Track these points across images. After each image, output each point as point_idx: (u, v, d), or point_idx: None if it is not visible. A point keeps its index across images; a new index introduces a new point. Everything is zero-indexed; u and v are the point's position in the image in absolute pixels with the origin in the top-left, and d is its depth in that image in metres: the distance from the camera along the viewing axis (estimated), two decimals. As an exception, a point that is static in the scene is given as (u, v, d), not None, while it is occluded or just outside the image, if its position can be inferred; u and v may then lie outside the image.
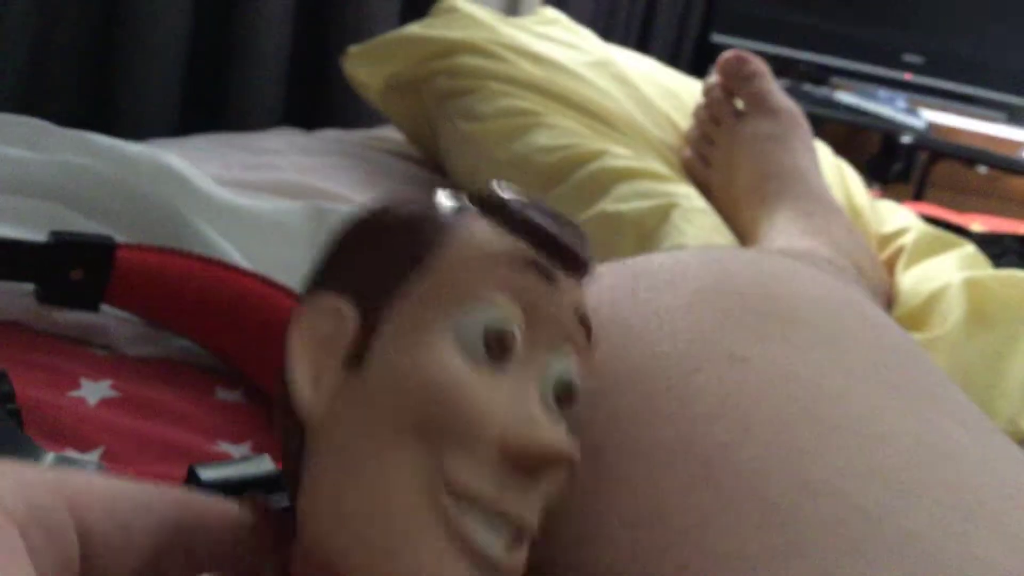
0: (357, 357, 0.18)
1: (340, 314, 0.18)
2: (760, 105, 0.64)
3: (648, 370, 0.23)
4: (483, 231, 0.19)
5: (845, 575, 0.18)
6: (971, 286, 0.55)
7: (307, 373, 0.18)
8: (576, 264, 0.19)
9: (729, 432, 0.21)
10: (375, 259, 0.19)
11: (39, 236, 0.40)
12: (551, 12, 0.90)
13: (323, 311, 0.18)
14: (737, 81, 0.66)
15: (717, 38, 2.20)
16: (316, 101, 1.11)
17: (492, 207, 0.19)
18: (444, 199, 0.20)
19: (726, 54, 0.67)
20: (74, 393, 0.36)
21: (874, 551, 0.19)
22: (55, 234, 0.40)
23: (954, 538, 0.19)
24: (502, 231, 0.19)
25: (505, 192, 0.20)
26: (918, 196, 1.82)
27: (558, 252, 0.19)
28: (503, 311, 0.18)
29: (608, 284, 0.26)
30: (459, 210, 0.19)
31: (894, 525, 0.19)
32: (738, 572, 0.19)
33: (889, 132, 1.92)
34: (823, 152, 0.75)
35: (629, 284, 0.26)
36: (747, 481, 0.20)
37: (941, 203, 1.49)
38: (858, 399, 0.23)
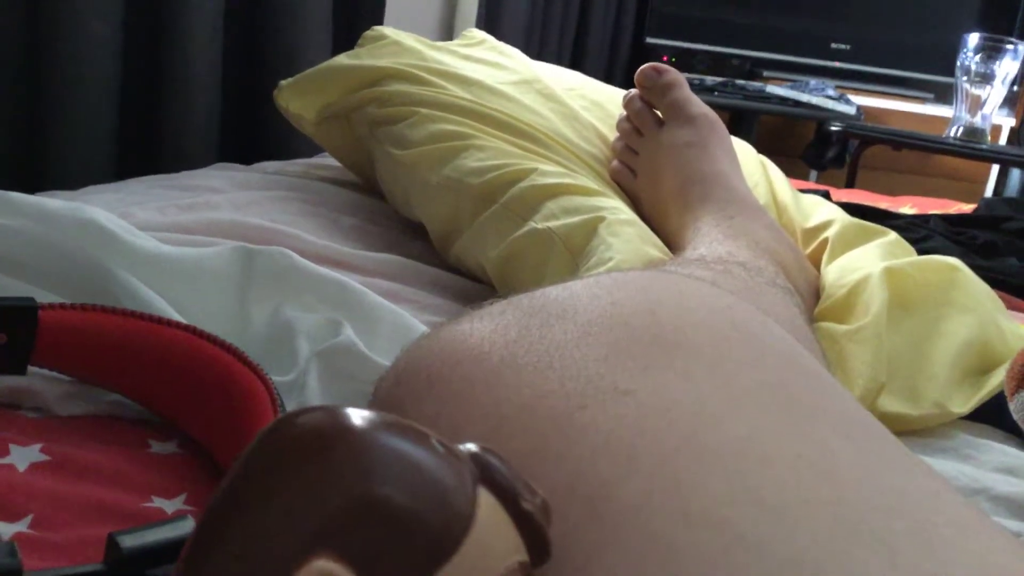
0: None
1: None
2: (678, 114, 0.66)
3: (536, 410, 0.23)
4: (495, 529, 0.19)
5: None
6: (891, 275, 0.57)
7: None
8: (545, 560, 0.20)
9: (613, 467, 0.21)
10: (393, 532, 0.17)
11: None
12: (478, 33, 0.91)
13: None
14: (654, 92, 0.67)
15: (651, 40, 2.24)
16: (253, 135, 1.11)
17: (495, 487, 0.19)
18: (451, 467, 0.19)
19: (643, 67, 0.69)
20: (3, 460, 0.36)
21: None
22: (-28, 300, 0.40)
23: (834, 560, 0.19)
24: (506, 523, 0.19)
25: (505, 472, 0.19)
26: (851, 181, 1.85)
27: (544, 553, 0.19)
28: None
29: (504, 323, 0.26)
30: (470, 483, 0.19)
31: (774, 552, 0.19)
32: None
33: (822, 120, 1.97)
34: (746, 151, 0.77)
35: (524, 322, 0.26)
36: (631, 516, 0.20)
37: (875, 185, 1.53)
38: (739, 422, 0.23)
